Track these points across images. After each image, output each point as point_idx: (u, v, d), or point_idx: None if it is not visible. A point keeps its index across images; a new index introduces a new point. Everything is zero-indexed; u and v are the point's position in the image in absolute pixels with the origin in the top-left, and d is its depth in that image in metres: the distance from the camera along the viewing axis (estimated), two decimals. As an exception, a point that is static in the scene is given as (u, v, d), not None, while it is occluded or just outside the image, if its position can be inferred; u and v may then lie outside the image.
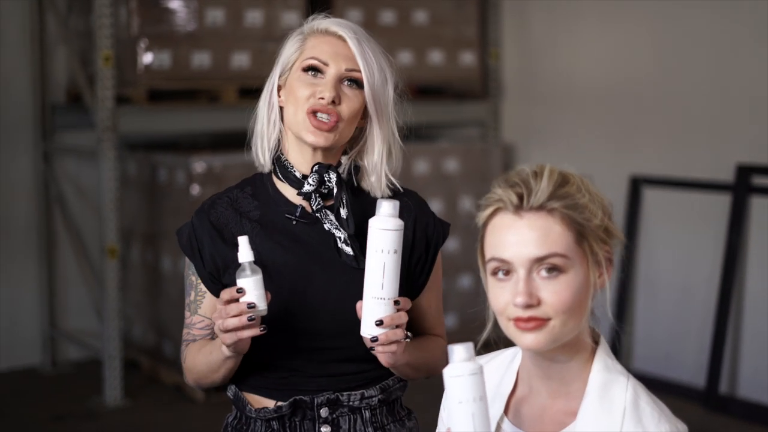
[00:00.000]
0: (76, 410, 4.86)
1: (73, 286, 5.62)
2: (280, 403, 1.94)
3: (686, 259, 5.08)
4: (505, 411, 1.56)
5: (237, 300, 1.78)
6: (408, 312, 2.04)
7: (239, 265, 1.81)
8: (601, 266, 1.48)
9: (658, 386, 5.01)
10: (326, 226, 1.95)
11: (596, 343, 1.54)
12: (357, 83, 1.93)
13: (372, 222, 1.80)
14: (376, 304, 1.79)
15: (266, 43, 5.03)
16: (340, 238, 1.93)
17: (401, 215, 1.97)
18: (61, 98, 5.49)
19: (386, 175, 1.99)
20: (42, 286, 5.53)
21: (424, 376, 1.99)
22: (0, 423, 4.72)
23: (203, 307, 1.98)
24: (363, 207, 1.96)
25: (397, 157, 2.01)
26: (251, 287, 1.78)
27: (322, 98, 1.90)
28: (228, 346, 1.83)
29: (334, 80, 1.92)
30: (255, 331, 1.79)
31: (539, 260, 1.43)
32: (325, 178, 1.95)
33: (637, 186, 5.24)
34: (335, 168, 1.96)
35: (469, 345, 1.41)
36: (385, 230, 1.78)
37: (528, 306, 1.42)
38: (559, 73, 5.70)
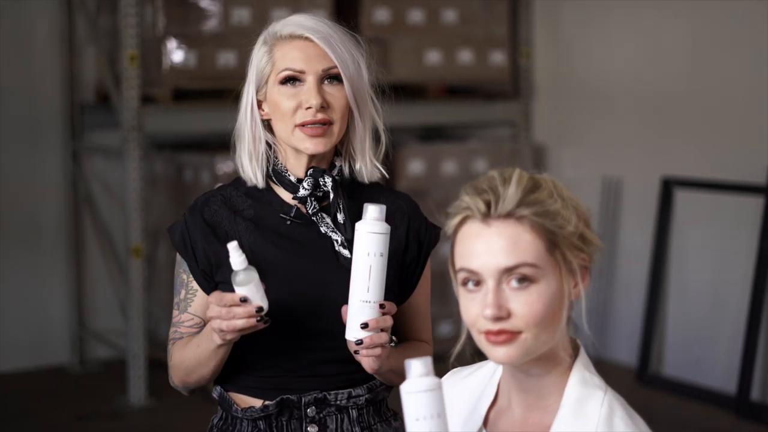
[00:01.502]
0: (101, 410, 4.87)
1: (102, 285, 5.65)
2: (267, 403, 1.91)
3: (718, 262, 4.98)
4: (485, 423, 1.51)
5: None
6: (395, 316, 2.01)
7: (233, 271, 1.79)
8: (576, 275, 1.42)
9: (688, 392, 4.92)
10: (323, 229, 1.93)
11: (576, 355, 1.48)
12: (337, 78, 1.91)
13: (358, 225, 1.80)
14: (362, 307, 1.78)
15: (293, 43, 5.00)
16: (337, 241, 1.92)
17: (394, 216, 1.96)
18: (90, 98, 5.51)
19: (371, 161, 1.97)
20: (70, 285, 5.56)
21: None
22: (25, 422, 4.75)
23: (194, 306, 1.95)
24: (359, 208, 1.91)
25: (383, 140, 1.98)
26: (253, 292, 1.78)
27: (310, 107, 1.88)
28: (225, 340, 1.81)
29: (315, 85, 1.89)
30: (260, 326, 1.79)
31: (508, 270, 1.38)
32: (321, 182, 1.93)
33: (668, 188, 5.15)
34: (330, 171, 1.94)
35: (427, 359, 1.36)
36: (371, 233, 1.78)
37: (497, 318, 1.37)
38: (590, 73, 5.62)
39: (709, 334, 5.00)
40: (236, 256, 1.77)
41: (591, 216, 1.45)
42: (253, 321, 1.76)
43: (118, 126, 5.01)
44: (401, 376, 1.91)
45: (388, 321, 1.80)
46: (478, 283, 1.40)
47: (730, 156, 4.92)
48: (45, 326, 5.54)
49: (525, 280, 1.38)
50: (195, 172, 5.13)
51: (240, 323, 1.76)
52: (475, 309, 1.39)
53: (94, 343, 5.62)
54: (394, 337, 1.84)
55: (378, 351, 1.79)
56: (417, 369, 1.36)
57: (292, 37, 1.92)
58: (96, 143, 5.55)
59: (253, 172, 1.95)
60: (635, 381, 5.13)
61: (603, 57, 5.55)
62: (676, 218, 5.16)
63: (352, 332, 1.79)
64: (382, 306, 1.79)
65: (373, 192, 2.00)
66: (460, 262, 1.41)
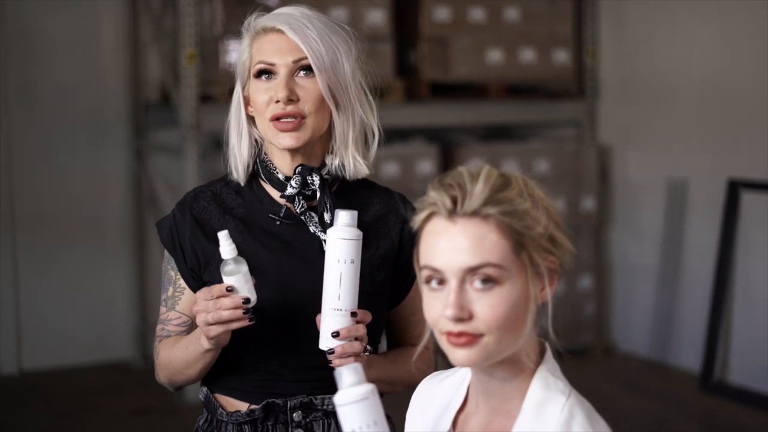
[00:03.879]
0: (160, 405, 4.92)
1: (164, 282, 5.70)
2: (253, 407, 1.89)
3: (786, 267, 4.83)
4: (453, 426, 1.46)
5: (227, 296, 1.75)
6: (391, 320, 1.97)
7: (222, 260, 1.76)
8: (544, 279, 1.36)
9: (753, 400, 4.78)
10: (311, 228, 1.89)
11: (543, 358, 1.42)
12: (310, 69, 1.87)
13: (329, 232, 1.77)
14: (333, 316, 1.75)
15: (351, 42, 4.99)
16: (325, 241, 1.86)
17: (388, 217, 1.93)
18: (153, 97, 5.58)
19: (354, 157, 1.91)
20: (134, 282, 5.64)
21: (403, 389, 1.91)
22: (83, 415, 4.82)
23: (181, 304, 1.93)
24: (350, 207, 1.87)
25: (374, 137, 1.93)
26: (242, 283, 1.74)
27: (278, 100, 1.85)
28: (211, 338, 1.77)
29: (286, 78, 1.86)
30: (245, 322, 1.75)
31: (472, 270, 1.32)
32: (308, 180, 1.89)
33: (735, 189, 5.01)
34: (318, 170, 1.90)
35: (358, 366, 1.32)
36: (341, 239, 1.74)
37: (459, 320, 1.32)
38: (657, 72, 5.50)
39: (775, 340, 4.85)
40: (226, 245, 1.75)
41: (563, 218, 1.39)
42: (238, 313, 1.73)
43: (178, 125, 5.06)
44: (391, 384, 1.88)
45: (361, 330, 1.76)
46: (441, 281, 1.35)
47: (798, 157, 4.77)
48: (108, 322, 5.63)
49: (489, 281, 1.33)
50: (253, 170, 5.15)
51: (226, 314, 1.73)
52: (437, 308, 1.35)
53: (156, 340, 5.67)
54: (369, 347, 1.79)
55: (351, 361, 1.75)
56: (347, 379, 1.32)
57: (266, 30, 1.89)
58: (159, 141, 5.62)
59: (234, 167, 1.93)
60: (699, 387, 5.00)
61: (669, 56, 5.42)
62: (743, 221, 5.02)
63: (324, 342, 1.76)
64: (354, 314, 1.75)
65: (366, 191, 1.96)
66: (423, 259, 1.37)
